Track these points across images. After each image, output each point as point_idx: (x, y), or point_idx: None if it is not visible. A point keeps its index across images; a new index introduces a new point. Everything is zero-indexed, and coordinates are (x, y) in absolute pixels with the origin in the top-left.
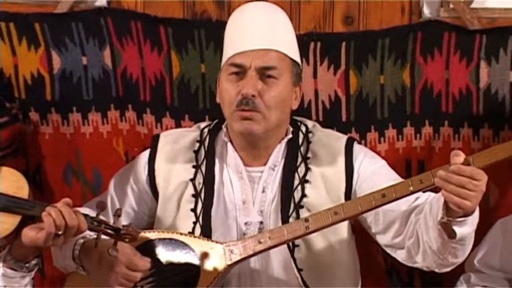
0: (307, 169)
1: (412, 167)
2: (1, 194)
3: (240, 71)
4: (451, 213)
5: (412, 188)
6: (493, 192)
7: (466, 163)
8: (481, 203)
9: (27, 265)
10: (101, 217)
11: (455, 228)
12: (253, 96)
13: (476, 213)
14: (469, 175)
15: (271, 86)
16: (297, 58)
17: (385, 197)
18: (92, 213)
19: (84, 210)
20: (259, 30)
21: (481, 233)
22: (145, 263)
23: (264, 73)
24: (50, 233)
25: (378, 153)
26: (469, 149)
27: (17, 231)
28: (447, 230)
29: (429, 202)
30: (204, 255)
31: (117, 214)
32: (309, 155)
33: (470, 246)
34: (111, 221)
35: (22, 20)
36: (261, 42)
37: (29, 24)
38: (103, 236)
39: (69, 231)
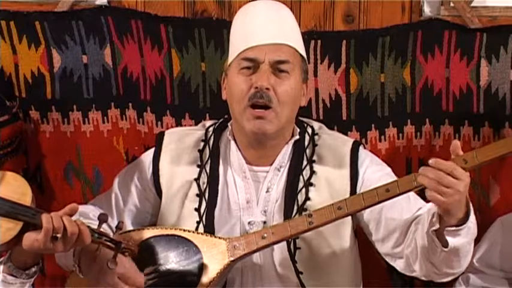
0: (312, 172)
1: (413, 166)
2: (4, 199)
3: (253, 65)
4: (443, 221)
5: (415, 183)
6: (493, 190)
7: (462, 158)
8: (482, 201)
9: (27, 272)
10: (102, 229)
11: (447, 237)
12: (267, 89)
13: (472, 225)
14: (447, 170)
15: (283, 80)
16: (305, 55)
17: (389, 191)
18: (96, 213)
19: (88, 207)
20: (270, 25)
21: (481, 231)
22: (140, 279)
23: (277, 67)
24: (48, 230)
25: (379, 152)
26: (470, 148)
27: (18, 238)
28: (440, 238)
29: (428, 210)
30: (207, 251)
31: (119, 227)
32: (315, 157)
33: (468, 259)
34: (115, 218)
35: (23, 18)
36: (274, 36)
37: (29, 23)
38: None
39: (68, 237)
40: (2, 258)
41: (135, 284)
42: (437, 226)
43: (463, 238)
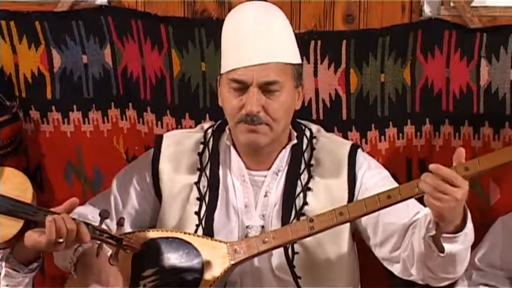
0: (310, 177)
1: (413, 166)
2: (5, 197)
3: (242, 87)
4: (440, 227)
5: (417, 190)
6: (493, 191)
7: (463, 166)
8: (482, 201)
9: (29, 267)
10: (103, 226)
11: (444, 244)
12: (257, 112)
13: (469, 232)
14: (447, 179)
15: (274, 99)
16: (298, 59)
17: (391, 198)
18: (95, 213)
19: (86, 208)
20: (258, 42)
21: (481, 231)
22: None
23: (266, 88)
24: (51, 239)
25: (379, 152)
26: (470, 148)
27: (20, 235)
28: (437, 243)
29: (425, 214)
30: (208, 255)
31: (120, 223)
32: (312, 162)
33: (465, 264)
34: (114, 220)
35: (23, 18)
36: (262, 55)
37: (29, 23)
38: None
39: (70, 237)
40: (2, 253)
41: None
42: (433, 232)
43: (459, 245)
